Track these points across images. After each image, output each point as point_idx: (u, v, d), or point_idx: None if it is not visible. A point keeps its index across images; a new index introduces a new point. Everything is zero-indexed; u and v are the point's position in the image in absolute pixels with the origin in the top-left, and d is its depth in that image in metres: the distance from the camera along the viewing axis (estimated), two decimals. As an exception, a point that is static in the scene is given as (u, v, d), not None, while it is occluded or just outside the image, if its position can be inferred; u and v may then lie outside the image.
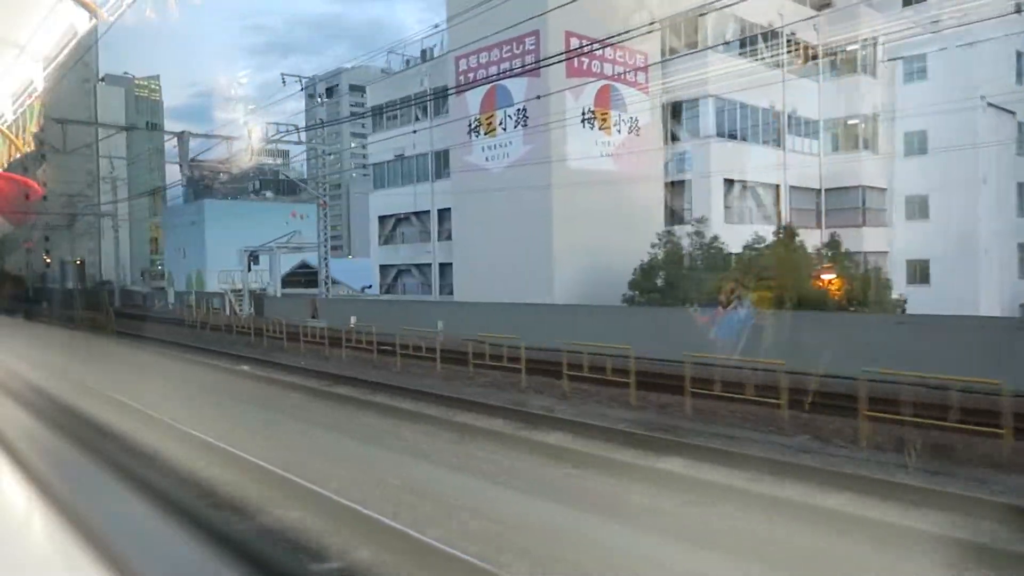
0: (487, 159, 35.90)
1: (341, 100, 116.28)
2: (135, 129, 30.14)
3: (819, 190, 40.95)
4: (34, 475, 2.82)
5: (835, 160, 40.70)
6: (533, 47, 33.43)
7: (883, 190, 40.97)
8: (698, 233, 30.70)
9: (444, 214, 48.31)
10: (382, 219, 52.55)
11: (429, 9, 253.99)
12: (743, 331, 16.72)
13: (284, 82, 35.90)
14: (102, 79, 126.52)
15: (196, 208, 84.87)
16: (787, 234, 29.79)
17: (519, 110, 33.98)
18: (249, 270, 43.42)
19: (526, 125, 33.76)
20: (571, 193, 33.70)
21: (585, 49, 32.64)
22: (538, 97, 32.05)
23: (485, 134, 35.91)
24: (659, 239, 30.96)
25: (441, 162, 47.99)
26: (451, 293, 48.00)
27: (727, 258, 28.93)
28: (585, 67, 33.92)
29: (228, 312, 44.65)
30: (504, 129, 34.90)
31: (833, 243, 30.24)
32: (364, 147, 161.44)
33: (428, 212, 49.20)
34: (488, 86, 35.09)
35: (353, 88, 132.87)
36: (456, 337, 22.70)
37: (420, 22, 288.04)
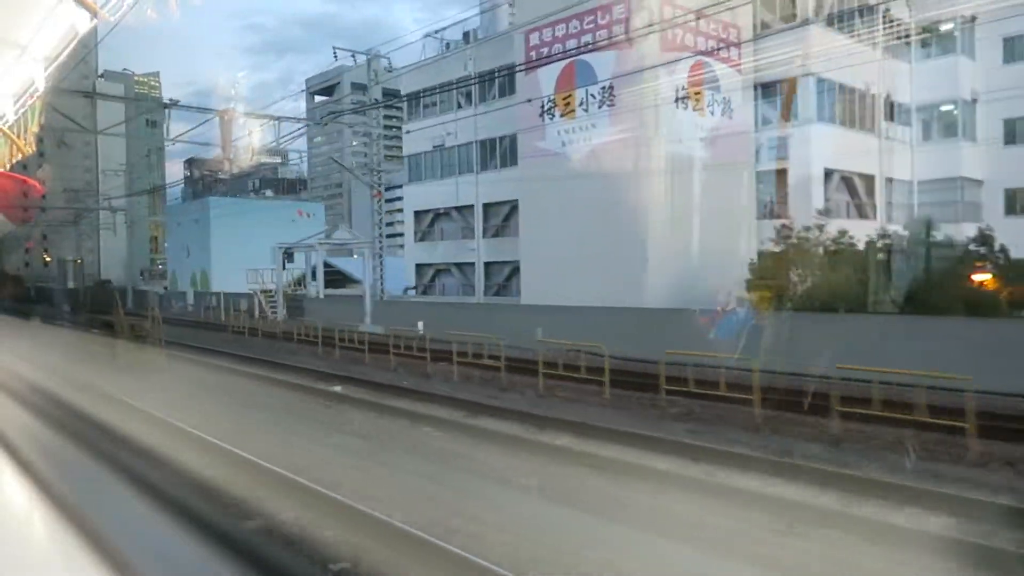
0: (564, 144, 31.21)
1: (343, 99, 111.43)
2: (173, 107, 25.30)
3: (911, 182, 36.59)
4: (36, 476, 2.84)
5: (928, 149, 36.37)
6: (623, 15, 28.83)
7: (979, 182, 36.65)
8: (819, 227, 26.20)
9: (489, 208, 43.80)
10: (418, 214, 47.88)
11: (425, 9, 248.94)
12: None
13: (336, 56, 31.13)
14: (101, 75, 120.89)
15: (200, 206, 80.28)
16: (924, 229, 25.41)
17: (604, 88, 29.34)
18: (284, 268, 38.58)
19: (613, 105, 29.14)
20: (663, 182, 29.21)
21: (680, 19, 28.09)
22: (630, 73, 27.60)
23: (562, 116, 31.23)
24: (776, 233, 26.41)
25: (487, 152, 43.44)
26: (498, 294, 43.45)
27: (863, 257, 24.43)
28: (679, 40, 29.37)
29: (257, 314, 39.84)
30: (586, 110, 30.24)
31: (984, 238, 25.82)
32: (366, 144, 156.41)
33: (471, 207, 44.61)
34: (565, 62, 30.44)
35: (355, 86, 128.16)
36: (557, 346, 18.26)
37: (416, 21, 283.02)
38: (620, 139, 29.04)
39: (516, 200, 41.52)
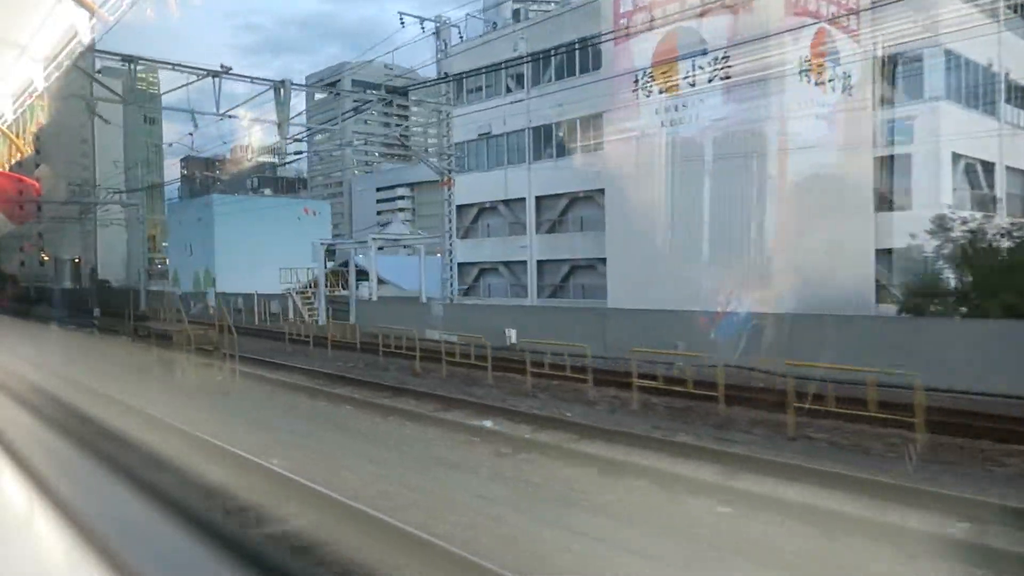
0: (663, 123, 26.69)
1: (344, 97, 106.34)
2: (225, 74, 20.65)
3: (1026, 171, 32.36)
4: (36, 477, 2.82)
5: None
6: (740, -27, 24.39)
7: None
8: (986, 218, 21.92)
9: (543, 202, 39.32)
10: (460, 209, 43.09)
11: (421, 8, 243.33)
12: None
13: (403, 24, 26.44)
14: (99, 71, 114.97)
15: (203, 203, 75.77)
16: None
17: (717, 58, 24.86)
18: (325, 266, 33.89)
19: (728, 77, 24.67)
20: (782, 167, 24.85)
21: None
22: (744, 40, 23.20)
23: (661, 92, 26.71)
24: (937, 225, 21.99)
25: (541, 140, 38.93)
26: (553, 296, 38.94)
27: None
28: (801, 3, 24.97)
29: (293, 317, 35.15)
30: (692, 84, 25.74)
31: None
32: (366, 142, 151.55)
33: (522, 200, 40.08)
34: (666, 29, 25.96)
35: (356, 83, 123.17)
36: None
37: (412, 20, 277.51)
38: (732, 117, 24.63)
39: (575, 192, 37.16)
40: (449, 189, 28.81)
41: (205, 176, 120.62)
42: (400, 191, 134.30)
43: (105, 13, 5.47)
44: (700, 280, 24.71)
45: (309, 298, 35.52)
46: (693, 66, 25.48)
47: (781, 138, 24.67)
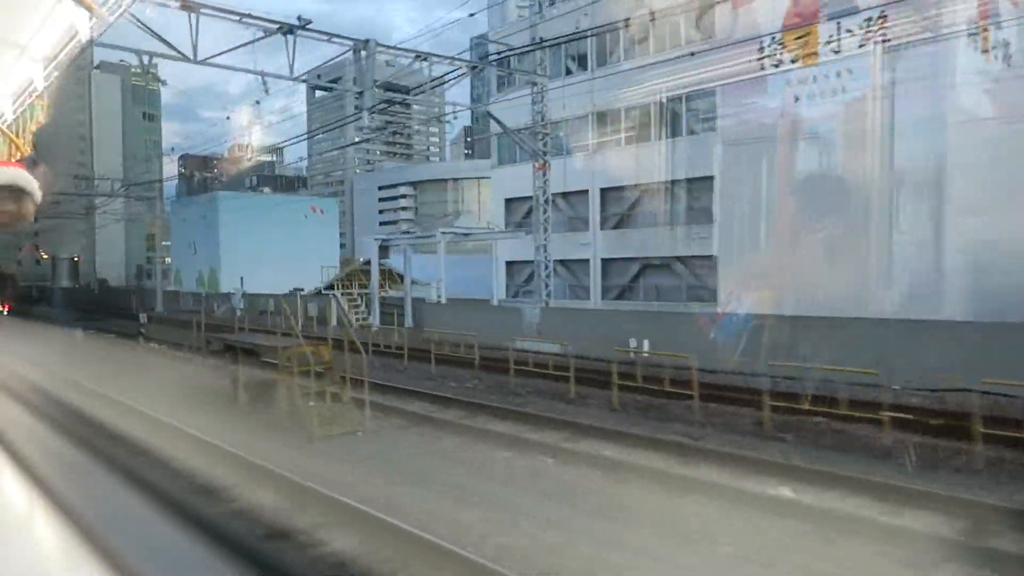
0: (796, 98, 22.40)
1: (345, 96, 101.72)
2: (301, 29, 16.32)
3: None
4: (36, 477, 2.64)
5: None
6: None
7: None
8: None
9: (607, 194, 35.07)
10: (509, 203, 38.96)
11: (418, 8, 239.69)
12: None
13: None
14: (97, 67, 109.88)
15: (207, 201, 71.88)
16: None
17: (870, 19, 20.65)
18: (380, 264, 29.48)
19: (886, 40, 20.46)
20: (946, 149, 20.73)
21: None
22: None
23: (794, 62, 22.44)
24: None
25: (607, 125, 34.66)
26: (620, 297, 34.65)
27: None
28: (969, -46, 20.85)
29: (336, 322, 30.71)
30: (836, 52, 21.49)
31: None
32: (368, 140, 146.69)
33: (583, 192, 35.79)
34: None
35: (356, 80, 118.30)
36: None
37: (409, 21, 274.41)
38: (894, 87, 20.46)
39: (646, 184, 32.97)
40: (544, 174, 24.42)
41: (204, 175, 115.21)
42: (403, 190, 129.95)
43: (105, 13, 5.52)
44: (839, 283, 20.63)
45: (355, 300, 31.04)
46: (839, 29, 21.25)
47: (951, 112, 20.56)
